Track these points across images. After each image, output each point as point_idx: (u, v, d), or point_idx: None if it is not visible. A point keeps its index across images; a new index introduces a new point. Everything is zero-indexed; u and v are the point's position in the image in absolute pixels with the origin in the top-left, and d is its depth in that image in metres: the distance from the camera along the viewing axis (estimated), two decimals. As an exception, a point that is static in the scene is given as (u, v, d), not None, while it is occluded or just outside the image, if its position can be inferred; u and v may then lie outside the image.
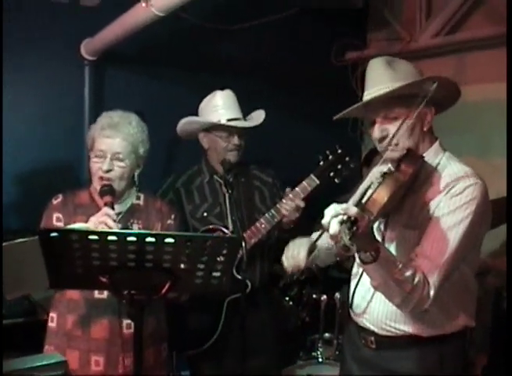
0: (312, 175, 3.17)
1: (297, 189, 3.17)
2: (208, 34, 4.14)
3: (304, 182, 3.17)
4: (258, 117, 3.37)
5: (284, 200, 3.17)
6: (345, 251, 1.86)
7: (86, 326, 2.66)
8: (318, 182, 3.16)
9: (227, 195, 3.29)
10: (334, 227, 1.83)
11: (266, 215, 3.21)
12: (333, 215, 1.84)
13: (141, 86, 4.13)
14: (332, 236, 1.86)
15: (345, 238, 1.80)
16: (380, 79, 2.22)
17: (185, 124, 3.40)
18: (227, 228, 3.27)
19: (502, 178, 2.75)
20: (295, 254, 2.48)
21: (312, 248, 2.50)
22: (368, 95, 2.24)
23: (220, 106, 3.33)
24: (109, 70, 4.07)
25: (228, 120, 3.30)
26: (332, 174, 3.15)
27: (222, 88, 3.38)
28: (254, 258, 3.29)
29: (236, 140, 3.28)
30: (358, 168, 3.46)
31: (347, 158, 3.15)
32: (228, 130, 3.29)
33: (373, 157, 4.44)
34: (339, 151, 3.16)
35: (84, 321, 2.66)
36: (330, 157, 3.15)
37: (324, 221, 1.88)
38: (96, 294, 2.66)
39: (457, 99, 2.31)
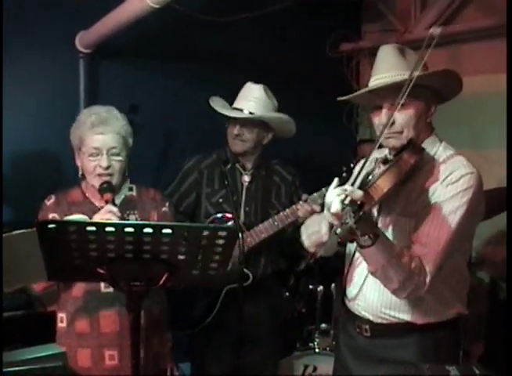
0: None
1: (315, 195, 3.20)
2: (203, 27, 4.14)
3: (324, 190, 3.19)
4: (262, 116, 3.35)
5: (301, 203, 3.20)
6: (350, 234, 1.87)
7: (95, 321, 2.66)
8: None
9: (245, 185, 3.35)
10: (336, 205, 1.84)
11: (281, 213, 3.24)
12: (337, 194, 1.86)
13: (136, 79, 4.12)
14: (333, 215, 1.87)
15: (351, 220, 1.81)
16: (392, 66, 2.22)
17: None
18: (239, 218, 3.29)
19: (496, 169, 2.77)
20: (316, 230, 2.40)
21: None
22: (378, 80, 2.24)
23: (239, 96, 3.40)
24: (104, 63, 4.06)
25: (234, 108, 3.35)
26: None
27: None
28: (260, 251, 3.32)
29: (236, 129, 3.30)
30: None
31: None
32: (232, 118, 3.32)
33: (357, 147, 4.47)
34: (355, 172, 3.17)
35: (93, 317, 2.66)
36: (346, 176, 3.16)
37: (327, 200, 1.91)
38: (103, 288, 2.66)
39: (459, 91, 2.30)
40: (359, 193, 1.87)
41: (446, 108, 2.36)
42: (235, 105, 3.38)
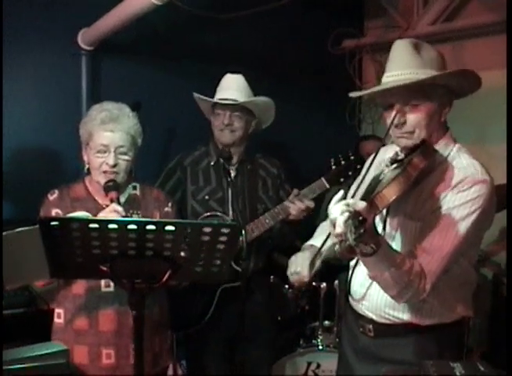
0: (323, 179, 3.18)
1: (306, 190, 3.19)
2: (205, 24, 4.13)
3: (313, 185, 3.19)
4: (253, 100, 3.35)
5: (292, 200, 3.18)
6: (349, 252, 1.82)
7: (94, 320, 2.66)
8: (328, 186, 3.17)
9: (230, 180, 3.28)
10: (341, 226, 1.78)
11: (272, 210, 3.22)
12: (340, 213, 1.80)
13: (138, 76, 4.12)
14: (337, 235, 1.84)
15: (351, 238, 1.74)
16: (405, 63, 2.16)
17: (197, 101, 3.45)
18: (227, 215, 3.27)
19: (498, 165, 2.75)
20: (298, 270, 2.49)
21: (315, 260, 2.50)
22: (391, 78, 2.19)
23: (221, 87, 3.39)
24: (106, 60, 4.05)
25: (221, 99, 3.32)
26: (342, 180, 3.14)
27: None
28: (250, 248, 3.28)
29: (226, 119, 3.28)
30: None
31: (358, 166, 3.11)
32: (220, 108, 3.31)
33: (359, 145, 4.47)
34: (351, 158, 3.15)
35: (92, 315, 2.66)
36: (343, 162, 3.15)
37: (331, 215, 1.85)
38: (103, 287, 2.66)
39: (476, 90, 2.26)
40: (362, 206, 1.82)
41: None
42: (218, 96, 3.35)
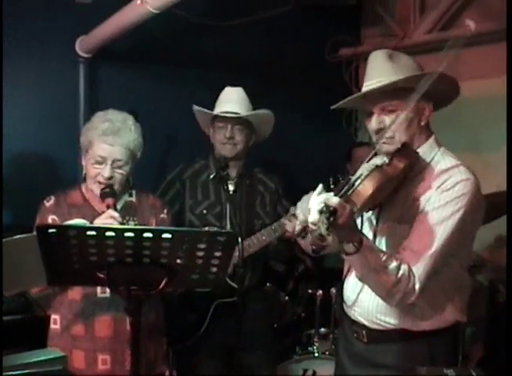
0: None
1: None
2: (203, 31, 4.15)
3: None
4: (256, 113, 3.35)
5: (289, 217, 3.14)
6: (320, 241, 1.86)
7: (90, 325, 2.67)
8: None
9: (229, 194, 3.25)
10: (314, 215, 1.84)
11: (268, 227, 3.22)
12: (317, 204, 1.85)
13: (136, 84, 4.13)
14: (311, 224, 1.87)
15: (322, 227, 1.79)
16: (380, 71, 2.22)
17: (196, 113, 3.43)
18: (224, 228, 3.25)
19: (494, 173, 2.77)
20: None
21: None
22: (367, 87, 2.24)
23: (221, 100, 3.37)
24: (104, 68, 4.06)
25: (222, 112, 3.31)
26: None
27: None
28: (245, 264, 3.28)
29: (228, 132, 3.27)
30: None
31: None
32: (222, 122, 3.30)
33: (351, 151, 4.47)
34: (350, 177, 3.14)
35: (88, 321, 2.67)
36: (341, 182, 3.14)
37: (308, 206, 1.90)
38: (99, 293, 2.67)
39: (456, 96, 2.31)
40: (334, 200, 1.86)
41: (443, 112, 2.37)
42: (219, 109, 3.34)
